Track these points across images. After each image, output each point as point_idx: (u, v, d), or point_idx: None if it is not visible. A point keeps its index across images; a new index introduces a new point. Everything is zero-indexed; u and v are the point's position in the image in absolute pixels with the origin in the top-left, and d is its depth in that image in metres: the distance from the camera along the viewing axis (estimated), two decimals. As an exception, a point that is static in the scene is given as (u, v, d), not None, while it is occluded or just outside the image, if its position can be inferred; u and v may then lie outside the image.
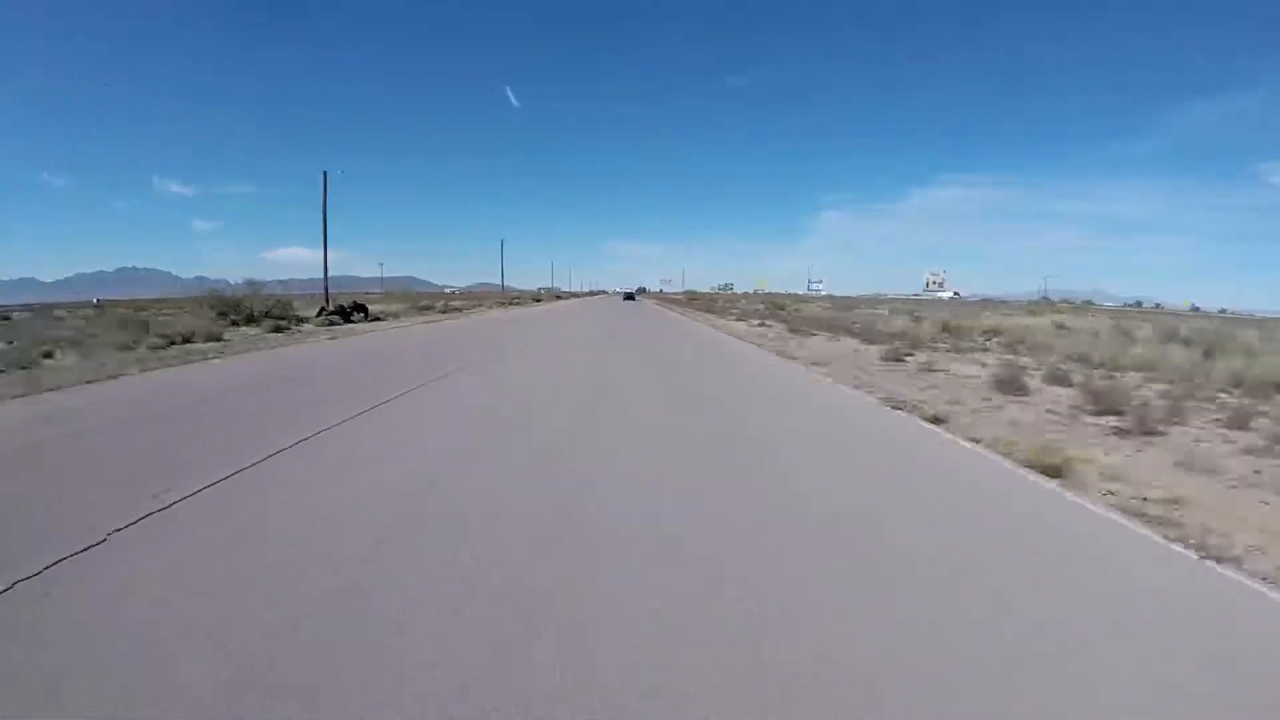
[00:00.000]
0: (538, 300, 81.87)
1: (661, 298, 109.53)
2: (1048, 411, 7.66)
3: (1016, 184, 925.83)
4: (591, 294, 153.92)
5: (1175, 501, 4.32)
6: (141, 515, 3.72)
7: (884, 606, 2.81)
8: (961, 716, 2.08)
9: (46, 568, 3.02)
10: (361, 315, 27.18)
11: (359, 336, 19.10)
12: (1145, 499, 4.37)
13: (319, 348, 15.38)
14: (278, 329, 20.15)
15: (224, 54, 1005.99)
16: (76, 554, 3.18)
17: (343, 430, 6.04)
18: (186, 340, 15.15)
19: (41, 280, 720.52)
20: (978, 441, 6.04)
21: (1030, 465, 5.14)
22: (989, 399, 8.46)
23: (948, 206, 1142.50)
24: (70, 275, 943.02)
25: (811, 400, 8.90)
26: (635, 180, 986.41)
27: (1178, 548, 3.57)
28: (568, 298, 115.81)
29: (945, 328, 20.15)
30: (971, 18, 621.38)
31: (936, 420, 6.93)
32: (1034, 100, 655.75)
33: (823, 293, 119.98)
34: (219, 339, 16.16)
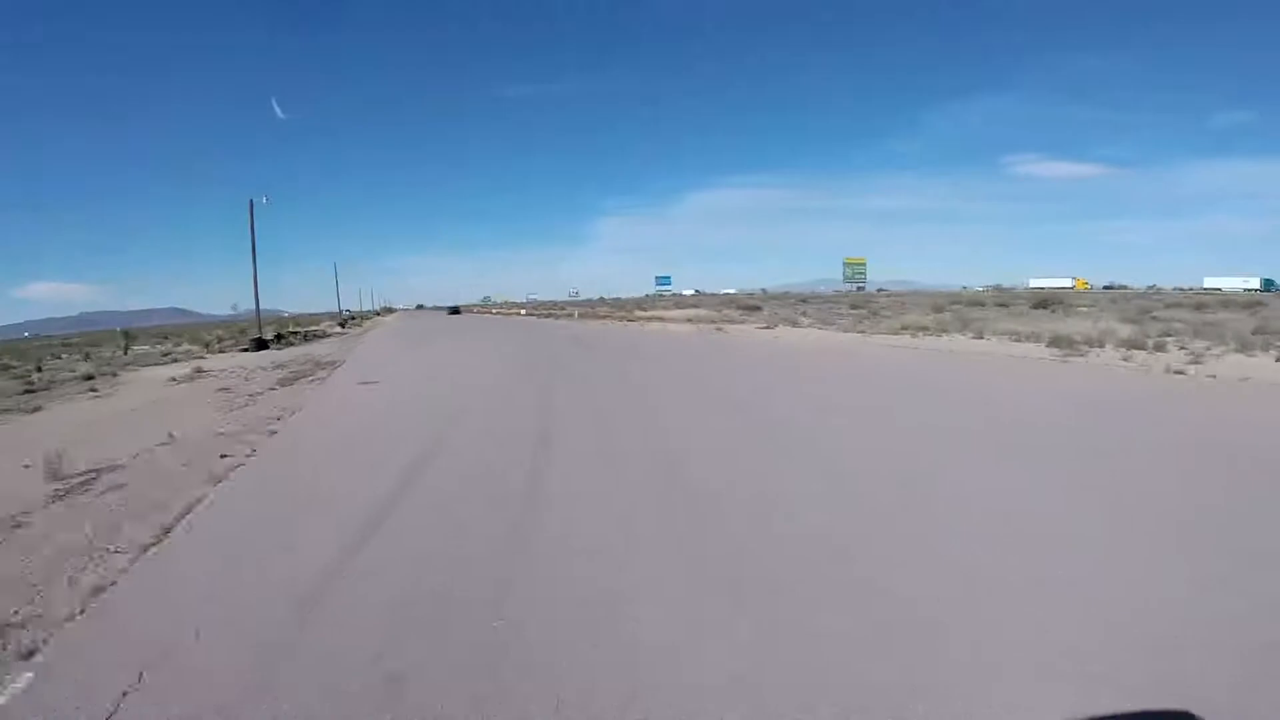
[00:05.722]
0: None
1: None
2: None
3: (797, 184, 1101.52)
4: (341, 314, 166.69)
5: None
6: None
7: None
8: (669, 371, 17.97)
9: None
10: None
11: None
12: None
13: None
14: None
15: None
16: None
17: None
18: None
19: None
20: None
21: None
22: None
23: (730, 207, 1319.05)
24: None
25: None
26: (411, 194, 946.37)
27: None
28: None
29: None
30: (743, 28, 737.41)
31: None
32: (808, 104, 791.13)
33: (537, 299, 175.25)
34: None
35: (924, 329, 19.82)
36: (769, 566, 3.46)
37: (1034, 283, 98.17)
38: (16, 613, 3.25)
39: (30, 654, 2.85)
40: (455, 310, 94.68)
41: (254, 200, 27.85)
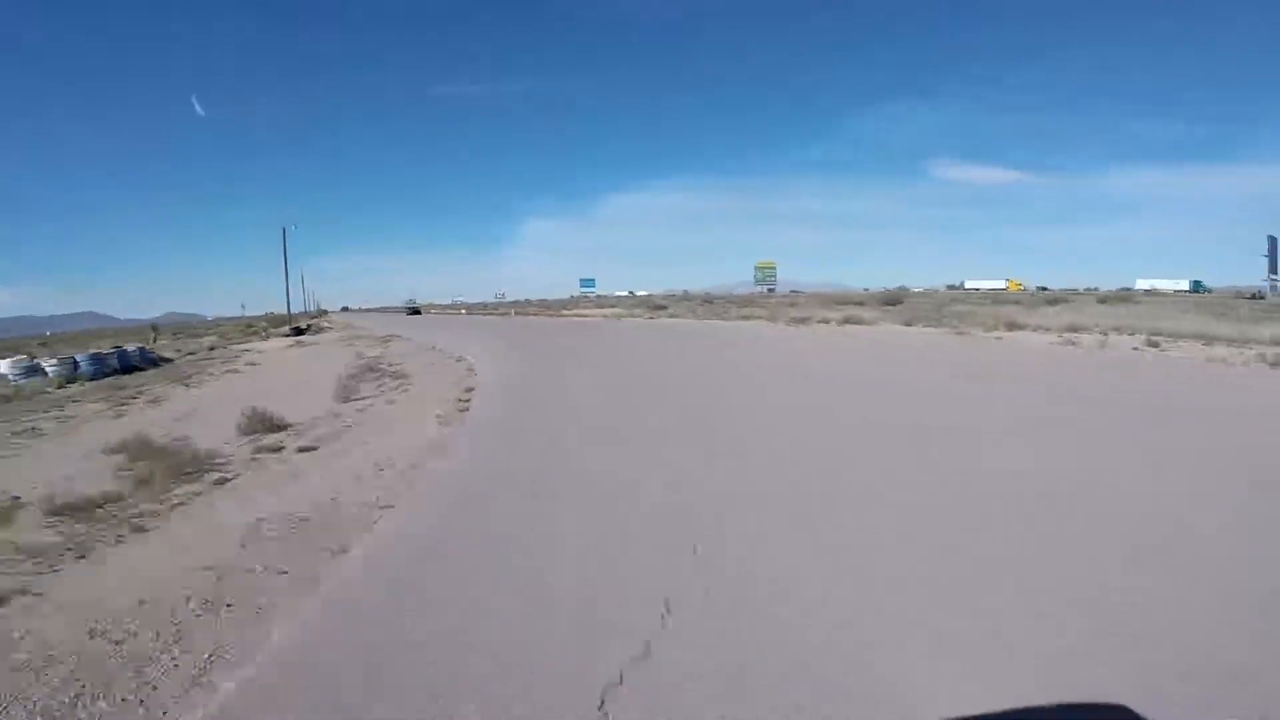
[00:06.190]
0: None
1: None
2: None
3: (724, 187, 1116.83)
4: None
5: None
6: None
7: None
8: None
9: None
10: None
11: None
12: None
13: None
14: None
15: None
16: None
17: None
18: None
19: None
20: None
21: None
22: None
23: (657, 209, 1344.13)
24: None
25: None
26: (333, 194, 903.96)
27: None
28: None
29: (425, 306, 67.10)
30: (667, 32, 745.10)
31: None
32: (736, 107, 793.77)
33: (463, 301, 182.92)
34: None
35: (753, 317, 28.57)
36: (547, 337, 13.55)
37: (970, 284, 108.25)
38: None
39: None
40: (415, 311, 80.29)
41: (285, 228, 40.57)
